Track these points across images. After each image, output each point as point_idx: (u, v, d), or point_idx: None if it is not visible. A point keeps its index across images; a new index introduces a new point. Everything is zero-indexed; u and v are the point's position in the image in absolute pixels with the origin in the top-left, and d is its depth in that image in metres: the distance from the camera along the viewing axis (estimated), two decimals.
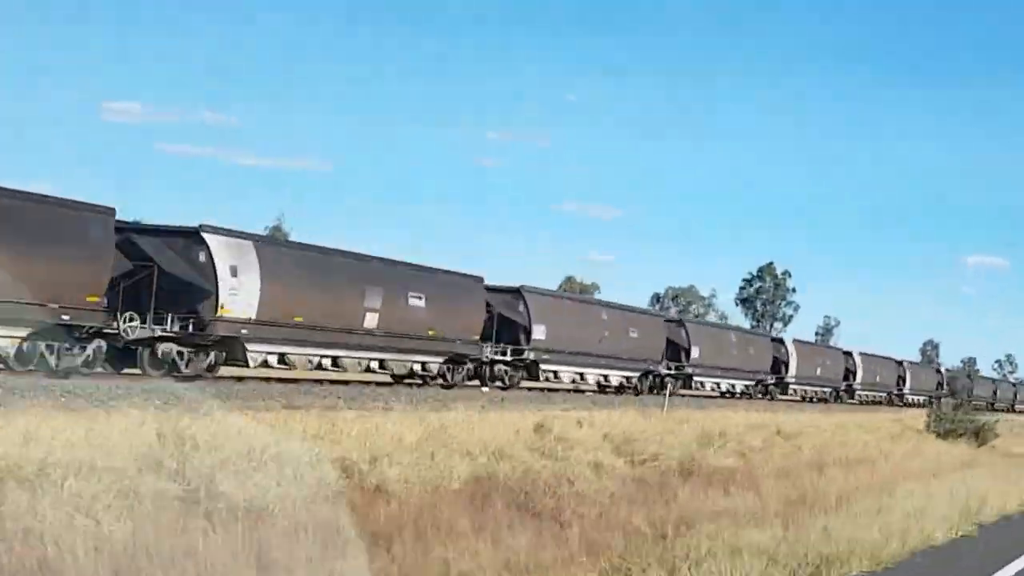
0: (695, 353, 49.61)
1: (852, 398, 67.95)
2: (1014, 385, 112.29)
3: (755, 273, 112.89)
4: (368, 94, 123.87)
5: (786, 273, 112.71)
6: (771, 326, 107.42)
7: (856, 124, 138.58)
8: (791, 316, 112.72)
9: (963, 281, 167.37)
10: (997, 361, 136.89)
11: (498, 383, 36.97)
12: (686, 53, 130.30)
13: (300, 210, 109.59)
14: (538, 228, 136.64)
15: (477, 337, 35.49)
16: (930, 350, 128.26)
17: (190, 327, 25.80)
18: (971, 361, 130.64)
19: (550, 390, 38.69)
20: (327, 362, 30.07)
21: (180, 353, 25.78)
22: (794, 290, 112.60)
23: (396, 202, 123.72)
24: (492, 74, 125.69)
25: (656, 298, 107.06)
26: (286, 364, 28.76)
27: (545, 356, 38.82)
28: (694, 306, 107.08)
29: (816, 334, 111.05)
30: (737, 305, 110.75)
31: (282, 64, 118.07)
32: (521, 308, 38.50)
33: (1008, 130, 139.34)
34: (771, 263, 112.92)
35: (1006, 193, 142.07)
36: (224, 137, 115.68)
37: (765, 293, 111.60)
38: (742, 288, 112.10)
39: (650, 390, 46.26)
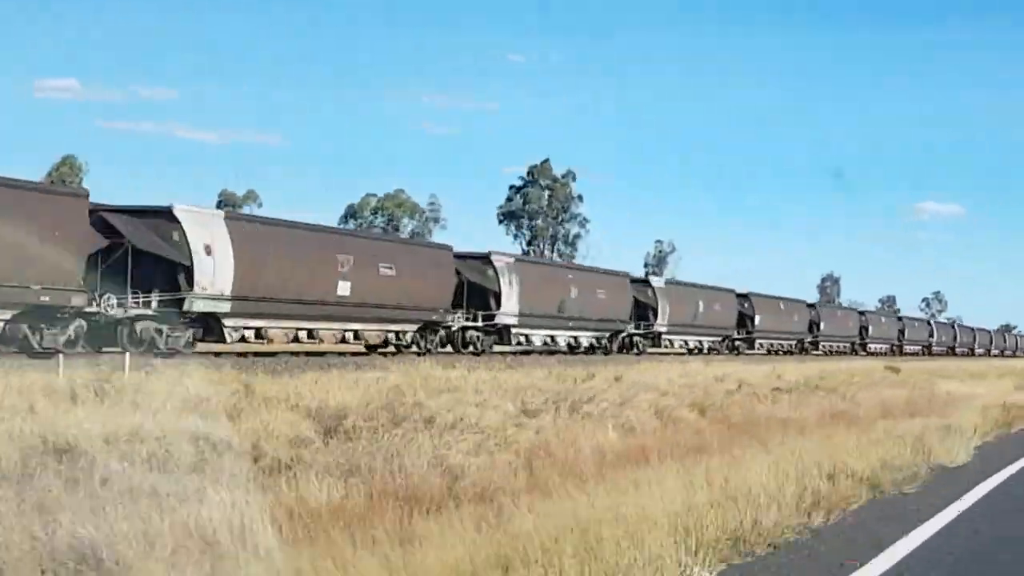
0: (662, 312, 50.51)
1: (817, 349, 69.24)
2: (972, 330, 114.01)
3: (525, 178, 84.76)
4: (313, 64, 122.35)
5: (569, 175, 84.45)
6: (551, 248, 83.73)
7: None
8: (577, 235, 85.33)
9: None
10: (924, 300, 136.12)
11: (470, 349, 37.63)
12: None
13: (248, 184, 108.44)
14: None
15: (448, 304, 36.12)
16: (829, 286, 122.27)
17: (165, 305, 26.23)
18: (890, 300, 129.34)
19: (523, 353, 39.47)
20: (303, 335, 30.58)
21: (159, 331, 26.23)
22: (580, 198, 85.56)
23: (347, 174, 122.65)
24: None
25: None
26: (263, 338, 29.25)
27: (516, 320, 39.50)
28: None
29: (645, 265, 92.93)
30: (501, 223, 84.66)
31: (221, 36, 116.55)
32: (491, 273, 39.09)
33: None
34: (546, 160, 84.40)
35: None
36: (165, 111, 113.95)
37: (534, 202, 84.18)
38: (509, 200, 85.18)
39: (620, 350, 47.23)
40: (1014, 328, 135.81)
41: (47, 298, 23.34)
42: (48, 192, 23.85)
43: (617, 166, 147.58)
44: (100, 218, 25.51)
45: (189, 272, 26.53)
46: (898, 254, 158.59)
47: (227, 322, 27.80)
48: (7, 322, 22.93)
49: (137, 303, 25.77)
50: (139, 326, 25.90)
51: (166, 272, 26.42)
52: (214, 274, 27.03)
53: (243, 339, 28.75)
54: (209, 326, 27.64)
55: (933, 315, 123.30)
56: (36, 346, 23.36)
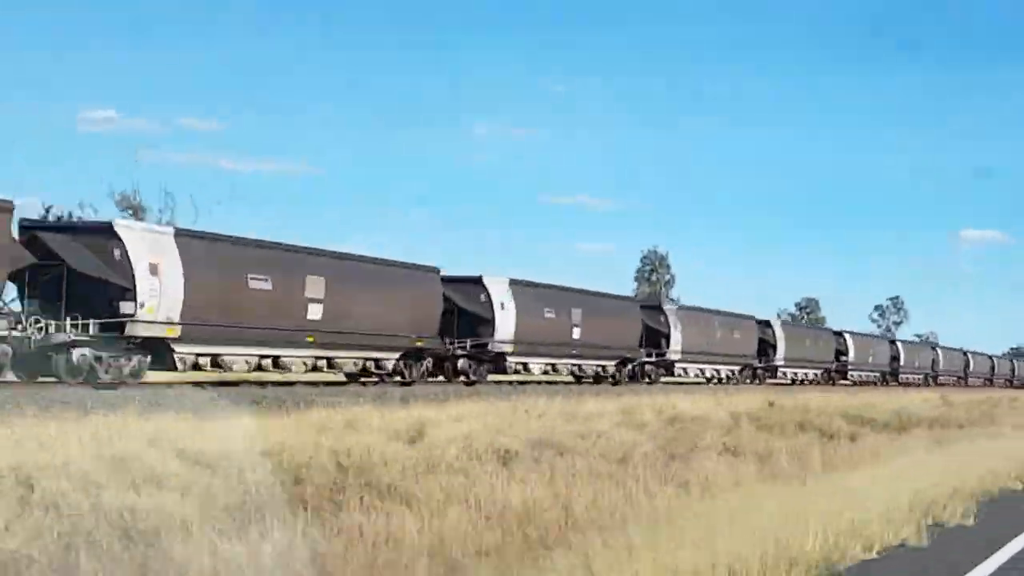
0: (675, 339, 47.86)
1: (844, 379, 66.20)
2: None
3: None
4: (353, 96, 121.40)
5: None
6: None
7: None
8: None
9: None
10: (877, 308, 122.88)
11: (462, 378, 35.18)
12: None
13: (289, 214, 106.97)
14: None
15: (435, 330, 33.69)
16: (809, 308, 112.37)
17: (105, 330, 23.95)
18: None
19: (520, 383, 36.73)
20: (268, 363, 28.22)
21: (98, 358, 23.92)
22: None
23: (384, 204, 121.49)
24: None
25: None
26: (219, 366, 26.90)
27: (512, 348, 36.99)
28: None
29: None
30: None
31: (263, 69, 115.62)
32: (483, 298, 36.68)
33: None
34: None
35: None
36: (209, 141, 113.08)
37: None
38: None
39: (630, 379, 44.59)
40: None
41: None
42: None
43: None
44: (31, 235, 23.38)
45: (132, 293, 24.26)
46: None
47: (177, 348, 25.47)
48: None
49: (74, 328, 23.48)
50: (75, 353, 23.61)
51: (106, 293, 24.15)
52: (161, 296, 24.75)
53: (196, 367, 26.40)
54: (158, 353, 25.32)
55: (888, 328, 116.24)
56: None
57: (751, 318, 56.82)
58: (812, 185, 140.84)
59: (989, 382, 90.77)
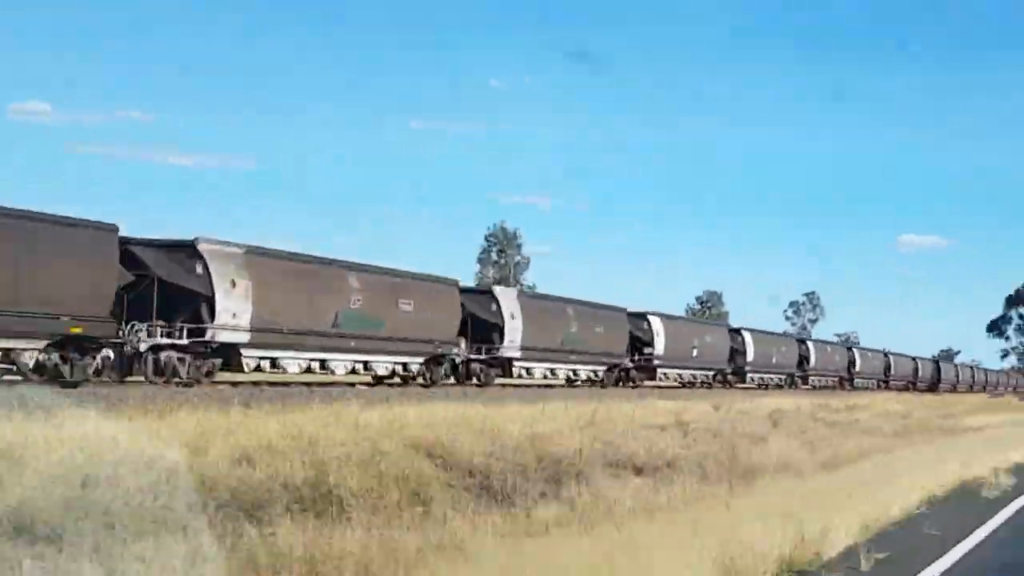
0: (658, 346, 51.46)
1: (806, 384, 70.22)
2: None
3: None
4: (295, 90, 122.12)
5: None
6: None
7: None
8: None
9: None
10: (792, 304, 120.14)
11: (474, 381, 38.51)
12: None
13: (225, 209, 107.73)
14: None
15: (454, 337, 37.08)
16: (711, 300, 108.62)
17: (188, 335, 27.11)
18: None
19: (524, 386, 40.25)
20: (316, 365, 31.46)
21: (181, 360, 27.10)
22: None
23: (323, 199, 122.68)
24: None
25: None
26: (277, 368, 30.12)
27: (518, 354, 40.43)
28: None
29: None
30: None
31: (202, 61, 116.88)
32: (494, 308, 40.10)
33: None
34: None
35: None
36: (144, 135, 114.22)
37: None
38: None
39: (616, 383, 48.14)
40: (956, 353, 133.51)
41: (79, 329, 24.19)
42: (79, 226, 24.62)
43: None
44: (127, 250, 26.41)
45: (212, 304, 27.43)
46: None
47: (245, 352, 28.68)
48: (40, 351, 23.76)
49: (162, 333, 26.63)
50: (163, 356, 26.77)
51: (189, 303, 27.29)
52: (234, 305, 27.94)
53: (259, 368, 29.60)
54: (228, 356, 28.50)
55: (804, 326, 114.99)
56: (67, 376, 24.17)
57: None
58: (735, 177, 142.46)
59: (912, 385, 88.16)
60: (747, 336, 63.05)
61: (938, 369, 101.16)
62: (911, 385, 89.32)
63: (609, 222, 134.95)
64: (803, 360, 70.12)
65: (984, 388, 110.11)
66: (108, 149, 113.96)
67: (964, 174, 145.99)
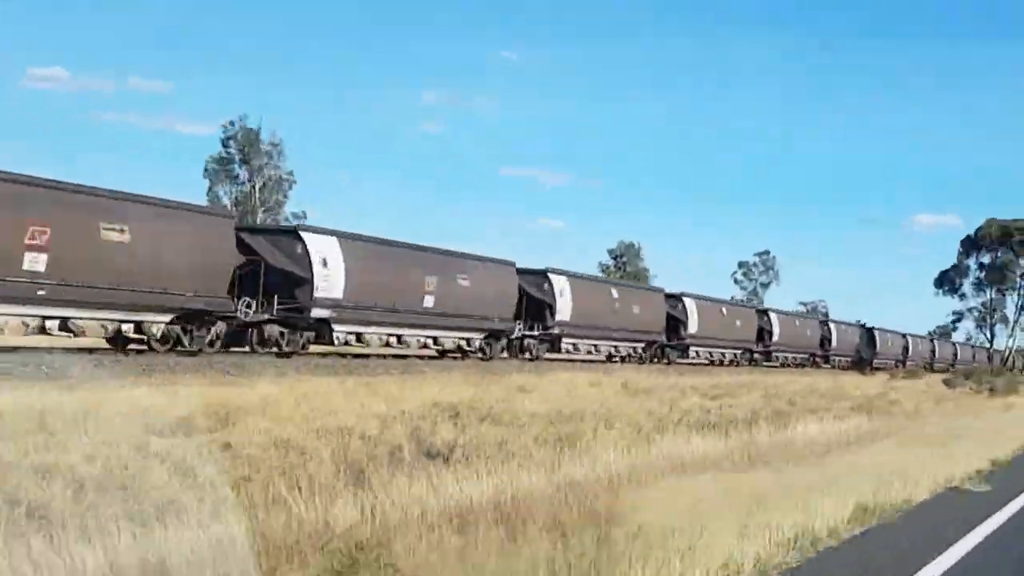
0: (691, 326, 54.36)
1: (827, 363, 71.79)
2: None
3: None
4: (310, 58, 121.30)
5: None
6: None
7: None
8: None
9: None
10: (742, 266, 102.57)
11: (526, 355, 41.47)
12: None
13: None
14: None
15: (512, 315, 40.03)
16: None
17: (289, 311, 30.08)
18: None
19: (570, 360, 43.29)
20: (394, 340, 34.42)
21: (282, 333, 30.10)
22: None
23: (333, 169, 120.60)
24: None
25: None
26: (362, 342, 33.08)
27: (567, 331, 43.36)
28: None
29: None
30: None
31: (216, 29, 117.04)
32: (546, 287, 42.97)
33: None
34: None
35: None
36: (160, 104, 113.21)
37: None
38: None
39: (652, 359, 51.07)
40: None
41: (202, 304, 27.17)
42: (205, 213, 27.57)
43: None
44: (239, 236, 29.33)
45: (310, 283, 30.36)
46: None
47: (336, 327, 31.64)
48: (167, 324, 26.75)
49: (268, 309, 29.60)
50: (267, 329, 29.77)
51: (291, 283, 30.22)
52: (329, 285, 30.88)
53: (346, 343, 32.57)
54: (320, 330, 31.47)
55: (755, 291, 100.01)
56: (187, 345, 27.18)
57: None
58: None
59: (901, 364, 79.94)
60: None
61: (907, 346, 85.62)
62: (899, 364, 79.99)
63: (624, 198, 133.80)
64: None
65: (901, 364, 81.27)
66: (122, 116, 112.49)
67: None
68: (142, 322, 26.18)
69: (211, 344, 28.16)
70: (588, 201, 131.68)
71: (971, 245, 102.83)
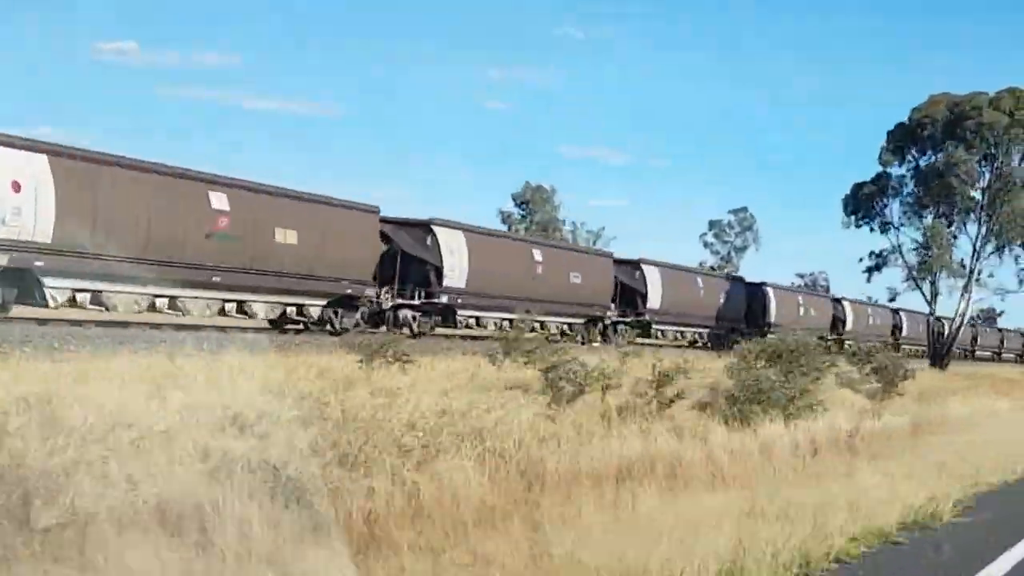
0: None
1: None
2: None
3: None
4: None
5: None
6: None
7: None
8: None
9: None
10: (713, 226, 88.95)
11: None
12: None
13: (305, 154, 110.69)
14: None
15: (608, 302, 43.18)
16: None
17: (421, 297, 33.61)
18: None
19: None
20: (507, 324, 37.78)
21: (414, 317, 33.68)
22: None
23: (400, 148, 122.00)
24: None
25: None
26: (481, 326, 36.53)
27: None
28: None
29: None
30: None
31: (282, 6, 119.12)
32: (638, 276, 45.98)
33: None
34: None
35: None
36: (227, 79, 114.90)
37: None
38: None
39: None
40: None
41: (350, 291, 30.80)
42: (356, 209, 31.19)
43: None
44: (380, 228, 32.87)
45: (439, 272, 33.87)
46: None
47: (460, 312, 35.16)
48: (323, 307, 30.43)
49: (403, 295, 33.16)
50: (401, 313, 33.37)
51: (423, 270, 33.74)
52: (455, 273, 34.38)
53: (467, 325, 36.05)
54: (446, 315, 34.99)
55: (729, 256, 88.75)
56: (335, 327, 30.81)
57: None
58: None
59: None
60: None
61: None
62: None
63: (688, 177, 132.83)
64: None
65: None
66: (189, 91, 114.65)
67: None
68: (303, 305, 29.92)
69: (356, 325, 31.77)
70: None
71: (904, 138, 56.15)
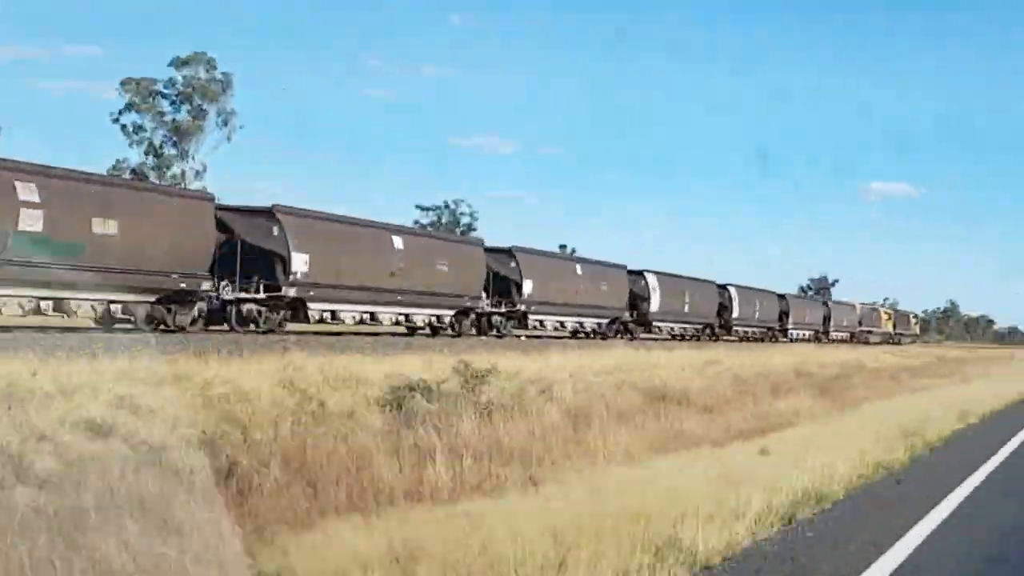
0: (654, 302, 55.59)
1: (729, 335, 65.45)
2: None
3: None
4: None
5: None
6: None
7: None
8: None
9: None
10: None
11: (493, 332, 42.89)
12: None
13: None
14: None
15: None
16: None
17: (266, 291, 31.33)
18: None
19: (536, 337, 44.76)
20: (367, 317, 35.73)
21: (259, 312, 31.32)
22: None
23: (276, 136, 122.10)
24: None
25: None
26: (336, 319, 34.32)
27: (533, 307, 44.95)
28: None
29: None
30: None
31: None
32: (513, 265, 44.45)
33: None
34: None
35: None
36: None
37: None
38: None
39: (616, 335, 52.52)
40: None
41: (184, 284, 28.35)
42: (187, 196, 28.75)
43: None
44: (218, 216, 30.47)
45: (286, 263, 31.56)
46: None
47: (311, 305, 32.89)
48: (152, 304, 27.94)
49: (246, 289, 30.80)
50: (245, 307, 30.99)
51: (268, 261, 31.41)
52: (303, 264, 32.11)
53: (321, 320, 33.79)
54: (296, 309, 32.70)
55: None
56: (169, 324, 28.34)
57: (712, 283, 64.94)
58: None
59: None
60: (733, 291, 66.82)
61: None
62: (853, 337, 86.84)
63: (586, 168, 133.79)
64: (783, 315, 74.61)
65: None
66: None
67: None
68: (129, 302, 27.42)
69: (193, 323, 29.34)
70: None
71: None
